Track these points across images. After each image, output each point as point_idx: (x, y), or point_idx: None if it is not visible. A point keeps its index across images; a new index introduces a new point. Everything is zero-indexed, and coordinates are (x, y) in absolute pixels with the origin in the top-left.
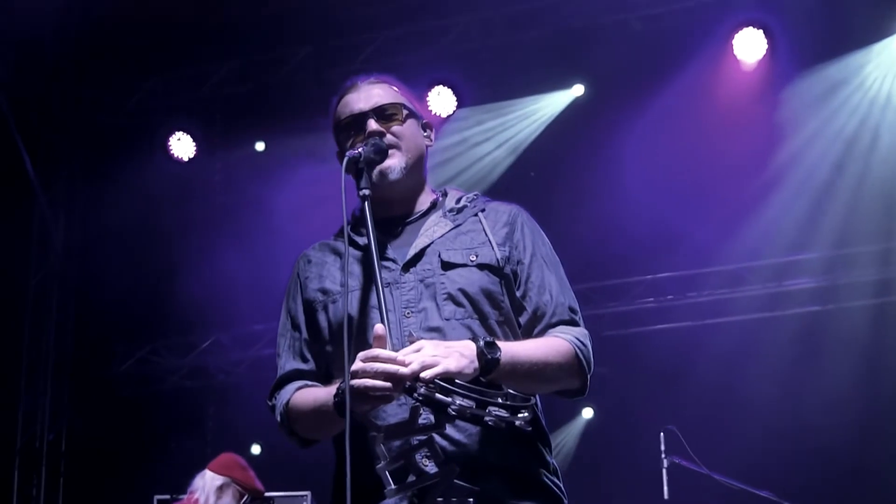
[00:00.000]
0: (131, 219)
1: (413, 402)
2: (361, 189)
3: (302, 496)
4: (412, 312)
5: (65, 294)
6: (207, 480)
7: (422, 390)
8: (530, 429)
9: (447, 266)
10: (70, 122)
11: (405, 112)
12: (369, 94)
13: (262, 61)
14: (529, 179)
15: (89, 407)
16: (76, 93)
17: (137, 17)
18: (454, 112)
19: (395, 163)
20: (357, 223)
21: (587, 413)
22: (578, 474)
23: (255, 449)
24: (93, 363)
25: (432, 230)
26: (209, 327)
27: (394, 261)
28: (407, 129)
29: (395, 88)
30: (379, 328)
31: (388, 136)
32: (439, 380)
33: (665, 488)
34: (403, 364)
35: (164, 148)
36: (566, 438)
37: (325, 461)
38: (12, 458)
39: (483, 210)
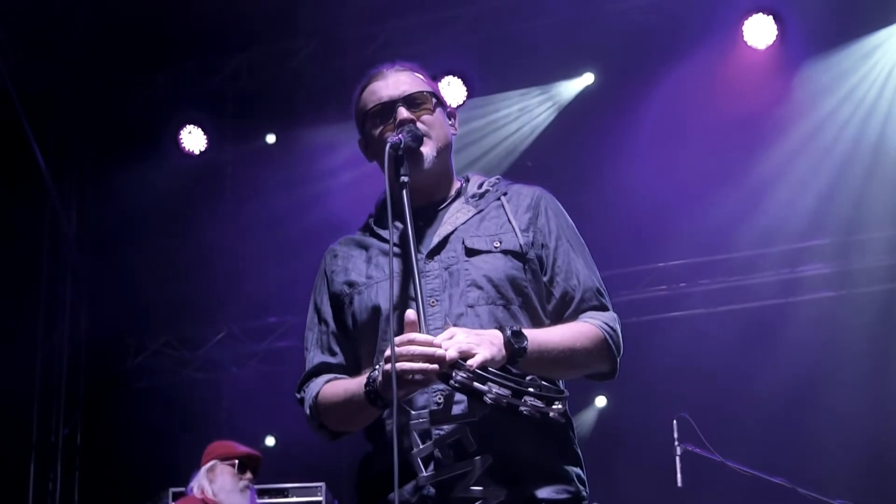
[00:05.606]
0: (143, 212)
1: (443, 390)
2: (402, 176)
3: (316, 487)
4: (437, 301)
5: (77, 287)
6: (199, 474)
7: (458, 377)
8: (564, 421)
9: (471, 253)
10: (81, 116)
11: (434, 101)
12: (397, 82)
13: (272, 53)
14: (539, 169)
15: (104, 401)
16: (87, 86)
17: (148, 9)
18: (464, 102)
19: (427, 151)
20: (382, 212)
21: (600, 401)
22: (592, 463)
23: (270, 441)
24: (106, 357)
25: (455, 217)
26: (221, 320)
27: (419, 249)
28: (436, 119)
29: (421, 76)
30: (410, 314)
31: (420, 125)
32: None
33: (679, 476)
34: (440, 347)
35: (176, 141)
36: (580, 427)
37: (339, 452)
38: (28, 452)
39: (505, 194)
